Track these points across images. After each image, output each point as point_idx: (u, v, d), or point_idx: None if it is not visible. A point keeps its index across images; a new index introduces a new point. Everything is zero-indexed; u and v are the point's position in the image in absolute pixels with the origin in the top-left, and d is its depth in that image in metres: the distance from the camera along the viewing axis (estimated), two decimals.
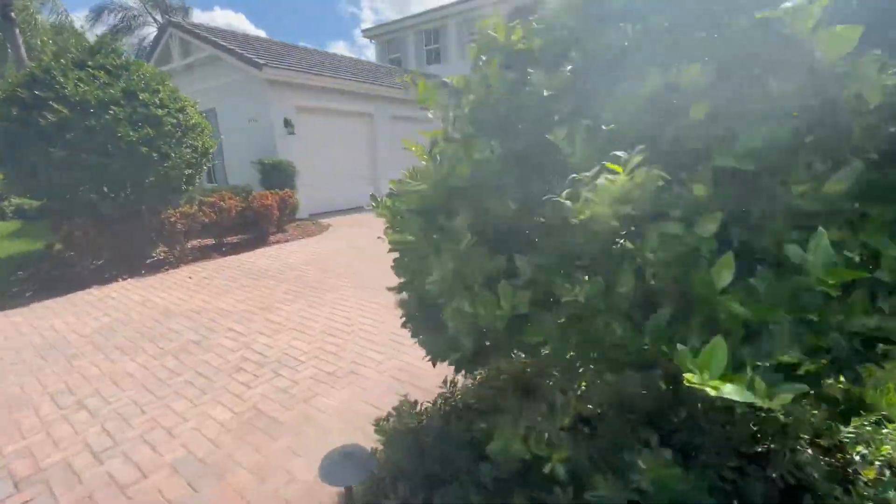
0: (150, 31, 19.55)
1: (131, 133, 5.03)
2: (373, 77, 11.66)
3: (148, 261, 5.84)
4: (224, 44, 9.12)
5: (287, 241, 7.16)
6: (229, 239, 7.01)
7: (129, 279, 5.23)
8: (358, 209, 10.88)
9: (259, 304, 4.22)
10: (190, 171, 6.03)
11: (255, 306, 4.17)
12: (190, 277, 5.24)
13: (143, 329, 3.72)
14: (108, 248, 5.44)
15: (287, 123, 8.96)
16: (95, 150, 4.91)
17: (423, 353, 1.60)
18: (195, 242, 6.81)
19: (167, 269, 5.61)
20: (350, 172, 11.04)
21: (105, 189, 5.29)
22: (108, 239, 5.39)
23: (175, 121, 5.65)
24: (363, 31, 19.99)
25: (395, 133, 12.22)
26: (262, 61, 8.41)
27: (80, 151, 4.88)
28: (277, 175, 8.34)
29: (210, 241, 6.86)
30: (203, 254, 6.28)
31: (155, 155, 5.33)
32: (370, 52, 30.90)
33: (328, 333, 3.50)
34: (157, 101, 5.53)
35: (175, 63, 10.60)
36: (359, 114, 11.01)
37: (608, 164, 0.87)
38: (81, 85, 5.04)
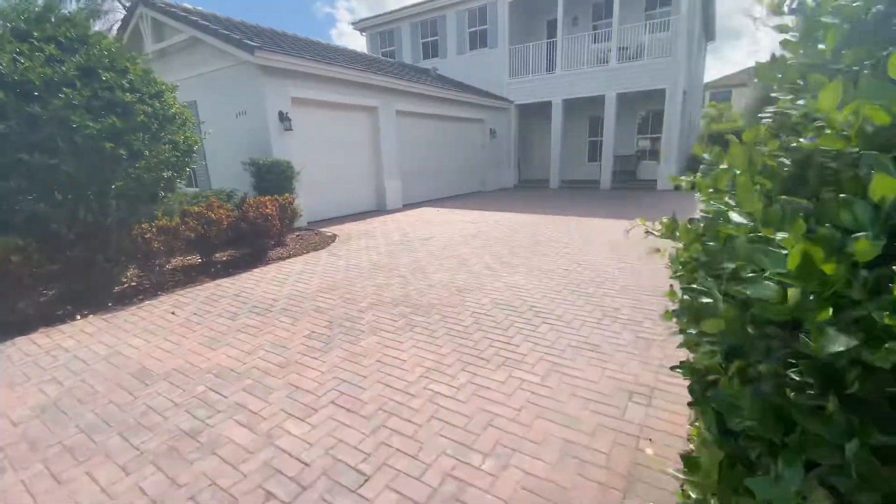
0: (119, 17, 17.84)
1: (90, 123, 3.79)
2: (374, 67, 10.48)
3: (117, 289, 4.58)
4: (207, 23, 7.82)
5: (289, 256, 5.97)
6: (220, 256, 5.77)
7: (90, 316, 3.98)
8: (361, 215, 9.68)
9: (276, 358, 3.06)
10: (169, 174, 4.80)
11: (270, 362, 3.01)
12: (174, 313, 4.02)
13: (108, 409, 2.53)
14: (62, 275, 4.16)
15: (283, 118, 7.73)
16: (40, 146, 3.65)
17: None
18: (177, 261, 5.55)
19: (142, 301, 4.37)
20: (351, 173, 9.85)
21: (58, 198, 4.03)
22: (62, 264, 4.12)
23: (150, 109, 4.41)
24: (354, 23, 18.73)
25: (401, 129, 11.07)
26: (254, 44, 7.17)
27: (18, 148, 3.61)
28: (274, 177, 7.12)
29: (196, 260, 5.62)
30: (188, 277, 5.04)
31: (123, 153, 4.09)
32: (357, 48, 29.47)
33: (389, 412, 2.39)
34: (126, 84, 4.28)
35: (147, 49, 9.20)
36: (362, 108, 9.83)
37: None
38: (22, 61, 3.77)
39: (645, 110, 15.70)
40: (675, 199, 11.08)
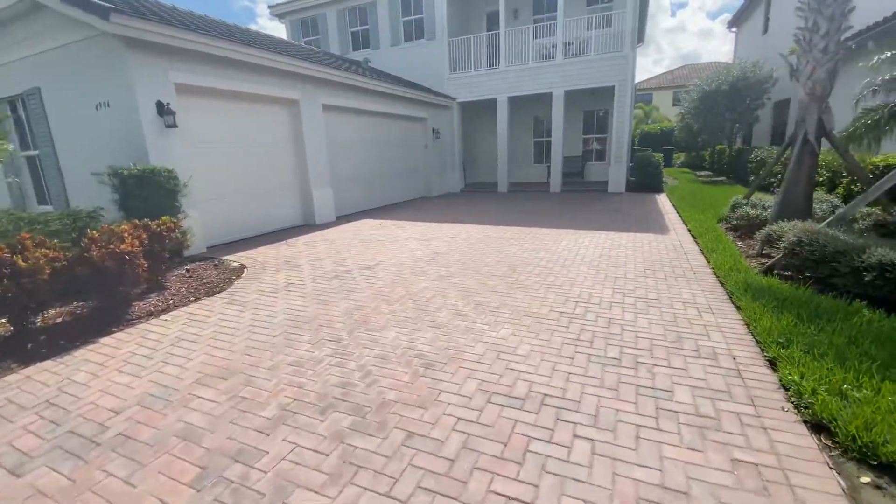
0: None
1: None
2: (293, 52, 8.63)
3: None
4: None
5: (166, 309, 4.10)
6: (49, 318, 3.79)
7: None
8: (282, 234, 7.81)
9: None
10: None
11: None
12: None
13: None
14: None
15: (164, 111, 5.73)
16: None
17: None
18: None
19: None
20: (268, 182, 7.95)
21: None
22: None
23: None
24: (272, 7, 16.39)
25: (331, 128, 9.31)
26: (108, 5, 5.13)
27: None
28: (148, 193, 5.13)
29: (4, 327, 3.60)
30: None
31: None
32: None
33: None
34: None
35: None
36: (279, 101, 7.96)
37: None
38: None
39: (590, 109, 15.20)
40: (633, 202, 10.43)
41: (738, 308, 3.60)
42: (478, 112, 16.17)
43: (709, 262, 4.99)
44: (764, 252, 5.15)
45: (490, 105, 14.26)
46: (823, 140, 5.27)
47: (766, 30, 15.99)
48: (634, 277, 4.60)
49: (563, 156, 13.51)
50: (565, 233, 7.07)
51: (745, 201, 6.68)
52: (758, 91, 13.09)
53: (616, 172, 12.68)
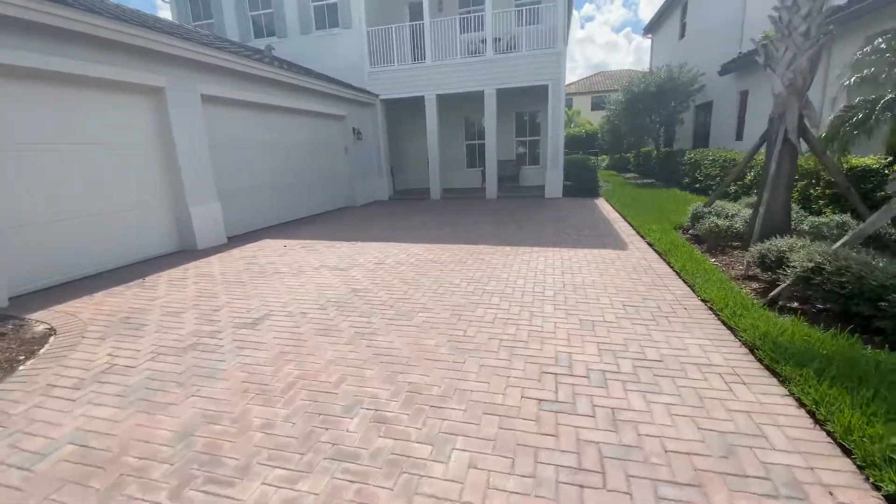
0: None
1: None
2: (159, 27, 6.57)
3: None
4: None
5: None
6: None
7: None
8: (142, 268, 5.76)
9: None
10: None
11: None
12: None
13: None
14: None
15: None
16: None
17: None
18: None
19: None
20: (119, 198, 5.87)
21: None
22: None
23: None
24: None
25: (219, 125, 7.36)
26: None
27: None
28: None
29: None
30: None
31: None
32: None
33: None
34: None
35: None
36: (132, 88, 5.91)
37: None
38: None
39: (523, 110, 14.47)
40: (574, 208, 9.66)
41: (778, 377, 2.56)
42: (405, 111, 14.76)
43: (695, 291, 4.03)
44: (751, 273, 4.32)
45: (418, 104, 12.93)
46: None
47: (682, 35, 16.43)
48: (616, 320, 3.48)
49: (497, 160, 12.56)
50: (513, 251, 5.90)
51: (707, 210, 5.97)
52: (683, 93, 13.15)
53: (553, 177, 11.97)
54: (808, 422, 2.16)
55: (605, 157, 26.78)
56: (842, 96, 5.33)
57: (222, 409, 2.46)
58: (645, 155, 18.25)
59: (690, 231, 6.24)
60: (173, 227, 6.62)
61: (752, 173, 7.75)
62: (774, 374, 2.59)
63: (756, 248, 4.06)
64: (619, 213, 8.77)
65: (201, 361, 3.04)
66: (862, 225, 3.46)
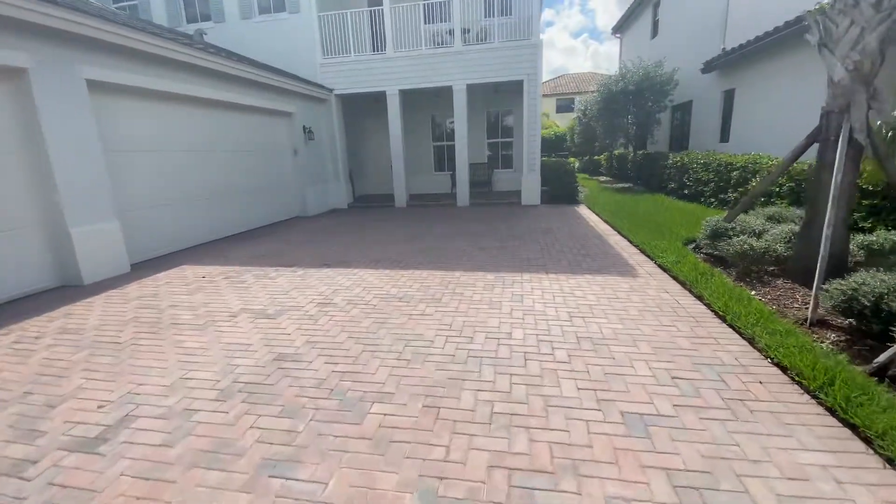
0: None
1: None
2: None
3: None
4: None
5: None
6: None
7: None
8: None
9: None
10: None
11: None
12: None
13: None
14: None
15: None
16: None
17: None
18: None
19: None
20: None
21: None
22: None
23: None
24: None
25: (116, 120, 5.72)
26: None
27: None
28: None
29: None
30: None
31: None
32: None
33: None
34: None
35: None
36: None
37: None
38: None
39: (494, 109, 13.35)
40: (557, 218, 8.58)
41: None
42: (365, 109, 13.32)
43: (758, 347, 2.92)
44: (819, 316, 3.27)
45: (379, 100, 11.54)
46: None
47: (655, 33, 15.86)
48: (676, 414, 2.29)
49: (469, 163, 11.36)
50: (499, 280, 4.67)
51: (729, 225, 4.96)
52: (660, 92, 12.44)
53: (530, 182, 10.88)
54: None
55: (573, 159, 26.29)
56: None
57: None
58: (619, 158, 17.61)
59: (705, 250, 5.23)
60: (45, 257, 4.94)
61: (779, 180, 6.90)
62: None
63: (837, 287, 3.00)
64: (610, 223, 7.75)
65: None
66: None
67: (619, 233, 7.00)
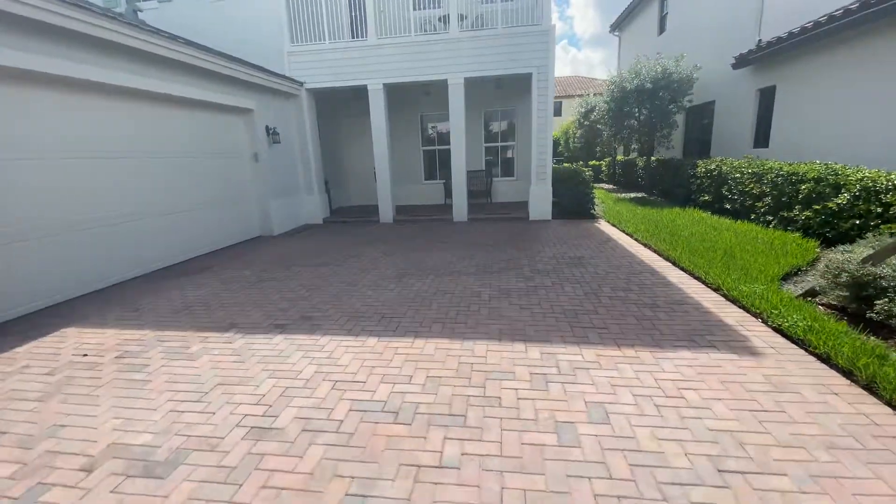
0: None
1: None
2: None
3: None
4: None
5: None
6: None
7: None
8: None
9: None
10: None
11: None
12: None
13: None
14: None
15: None
16: None
17: None
18: None
19: None
20: None
21: None
22: None
23: None
24: None
25: None
26: None
27: None
28: None
29: None
30: None
31: None
32: None
33: None
34: None
35: None
36: None
37: None
38: None
39: (494, 109, 11.72)
40: (583, 241, 6.93)
41: None
42: (343, 107, 11.53)
43: None
44: None
45: (360, 96, 9.79)
46: None
47: (662, 29, 14.54)
48: None
49: (466, 170, 9.68)
50: (551, 365, 2.96)
51: (878, 271, 3.36)
52: (680, 91, 11.01)
53: (540, 193, 9.26)
54: None
55: (568, 165, 24.93)
56: None
57: None
58: (624, 164, 16.19)
59: (829, 300, 3.65)
60: None
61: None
62: None
63: None
64: (654, 249, 6.16)
65: None
66: None
67: (674, 264, 5.40)
